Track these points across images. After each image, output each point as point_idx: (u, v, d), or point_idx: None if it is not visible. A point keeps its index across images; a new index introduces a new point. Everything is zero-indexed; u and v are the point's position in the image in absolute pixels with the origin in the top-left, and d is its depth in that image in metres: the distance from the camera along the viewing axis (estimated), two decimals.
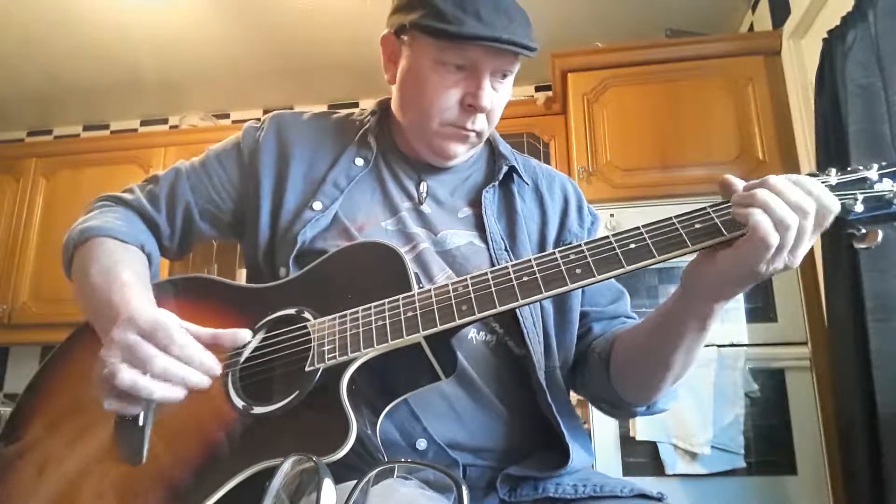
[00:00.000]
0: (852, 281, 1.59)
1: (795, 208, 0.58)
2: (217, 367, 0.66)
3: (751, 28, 2.55)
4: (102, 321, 0.71)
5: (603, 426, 1.92)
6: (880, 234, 0.61)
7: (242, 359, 0.71)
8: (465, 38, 0.77)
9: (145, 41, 2.73)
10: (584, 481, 0.75)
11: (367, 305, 0.69)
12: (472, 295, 0.66)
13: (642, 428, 1.89)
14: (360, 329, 0.67)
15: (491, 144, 0.97)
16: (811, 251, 0.62)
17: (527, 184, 0.93)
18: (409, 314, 0.66)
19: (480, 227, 0.86)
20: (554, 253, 0.66)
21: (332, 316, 0.70)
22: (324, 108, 3.20)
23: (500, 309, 0.64)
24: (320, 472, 0.47)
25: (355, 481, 0.51)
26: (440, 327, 0.65)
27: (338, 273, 0.76)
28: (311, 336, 0.69)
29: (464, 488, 0.50)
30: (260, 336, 0.73)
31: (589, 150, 2.24)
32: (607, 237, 0.65)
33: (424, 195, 0.89)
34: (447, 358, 0.69)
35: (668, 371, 0.74)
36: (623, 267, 0.63)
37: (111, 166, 2.89)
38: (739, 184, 0.63)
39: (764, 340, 1.93)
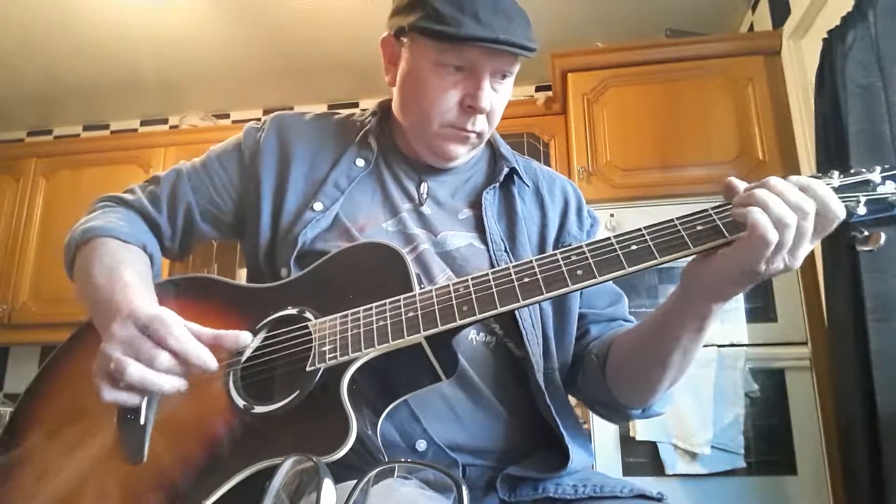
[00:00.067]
0: (852, 281, 1.59)
1: (795, 208, 0.58)
2: (212, 362, 0.66)
3: (751, 28, 2.55)
4: (104, 320, 0.71)
5: (603, 426, 1.92)
6: (883, 236, 0.61)
7: (244, 358, 0.71)
8: (463, 39, 0.77)
9: (145, 41, 2.73)
10: (584, 481, 0.75)
11: (369, 305, 0.69)
12: (474, 295, 0.66)
13: (642, 428, 1.89)
14: (361, 329, 0.67)
15: (492, 146, 0.97)
16: (811, 252, 0.62)
17: (527, 186, 0.93)
18: (410, 314, 0.66)
19: (480, 229, 0.86)
20: (555, 254, 0.66)
21: (334, 316, 0.70)
22: (324, 108, 3.20)
23: (501, 310, 0.64)
24: (320, 471, 0.47)
25: (355, 481, 0.51)
26: (441, 328, 0.65)
27: (339, 273, 0.76)
28: (313, 336, 0.69)
29: (464, 488, 0.50)
30: (261, 336, 0.73)
31: (589, 150, 2.24)
32: (608, 238, 0.65)
33: (425, 196, 0.89)
34: (448, 358, 0.69)
35: (665, 372, 0.74)
36: (624, 268, 0.63)
37: (111, 166, 2.89)
38: (742, 186, 0.63)
39: (764, 340, 1.93)
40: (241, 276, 2.63)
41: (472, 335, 0.80)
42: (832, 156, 1.71)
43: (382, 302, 0.69)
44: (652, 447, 1.88)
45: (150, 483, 0.65)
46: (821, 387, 1.86)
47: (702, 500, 1.82)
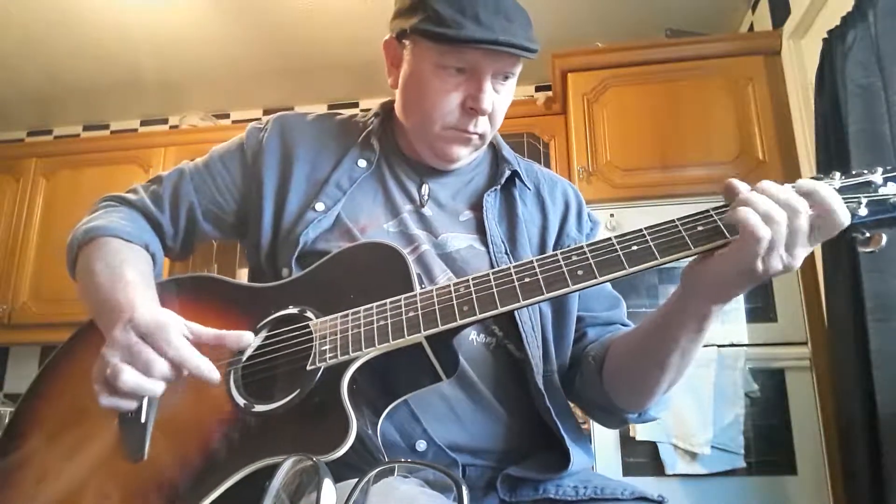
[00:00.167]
0: (852, 281, 1.59)
1: (784, 205, 0.58)
2: (213, 373, 0.66)
3: (751, 28, 2.55)
4: (106, 320, 0.71)
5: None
6: (884, 237, 0.61)
7: (245, 357, 0.71)
8: (463, 41, 0.77)
9: (145, 41, 2.73)
10: (584, 483, 0.75)
11: (369, 305, 0.69)
12: (474, 295, 0.66)
13: (642, 428, 1.89)
14: (362, 328, 0.67)
15: (494, 148, 0.97)
16: (811, 252, 0.62)
17: (529, 188, 0.93)
18: (411, 314, 0.66)
19: (481, 231, 0.86)
20: (556, 254, 0.66)
21: (334, 315, 0.70)
22: (324, 108, 3.20)
23: (501, 310, 0.64)
24: (320, 471, 0.47)
25: (356, 480, 0.52)
26: (441, 327, 0.65)
27: (340, 273, 0.76)
28: (313, 335, 0.69)
29: (464, 488, 0.50)
30: (262, 335, 0.73)
31: (589, 150, 2.24)
32: (609, 239, 0.65)
33: (426, 198, 0.89)
34: (448, 358, 0.69)
35: (663, 374, 0.73)
36: (625, 268, 0.63)
37: (111, 166, 2.89)
38: (743, 187, 0.63)
39: (764, 340, 1.93)
40: (242, 276, 2.63)
41: (473, 336, 0.80)
42: (832, 156, 1.71)
43: (383, 301, 0.69)
44: (652, 447, 1.88)
45: (151, 481, 0.65)
46: (821, 387, 1.86)
47: (702, 500, 1.82)
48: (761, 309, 1.95)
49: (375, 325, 0.67)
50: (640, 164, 2.19)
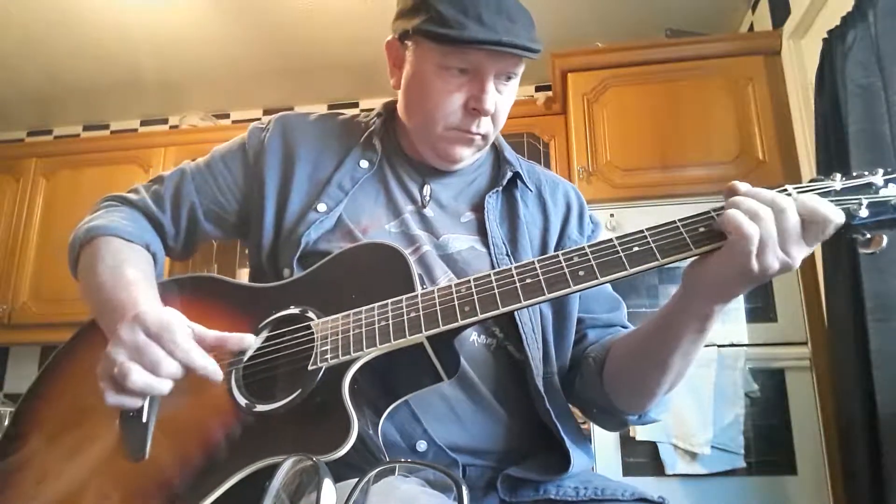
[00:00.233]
0: (852, 281, 1.59)
1: (768, 203, 0.60)
2: (218, 374, 0.67)
3: (751, 28, 2.55)
4: (108, 319, 0.71)
5: None
6: (885, 239, 0.62)
7: (246, 357, 0.71)
8: (466, 42, 0.77)
9: (145, 41, 2.73)
10: (585, 484, 0.75)
11: (371, 305, 0.69)
12: (475, 296, 0.66)
13: (642, 428, 1.89)
14: (364, 329, 0.67)
15: (496, 149, 0.97)
16: (812, 252, 0.62)
17: (530, 190, 0.93)
18: (412, 314, 0.66)
19: (482, 232, 0.86)
20: (557, 255, 0.66)
21: (336, 315, 0.70)
22: (324, 108, 3.20)
23: (503, 310, 0.64)
24: (320, 471, 0.47)
25: (356, 480, 0.52)
26: (443, 328, 0.65)
27: (342, 273, 0.76)
28: (315, 335, 0.69)
29: (464, 488, 0.50)
30: (264, 335, 0.74)
31: (589, 150, 2.24)
32: (610, 239, 0.65)
33: (428, 198, 0.89)
34: (449, 359, 0.69)
35: (665, 375, 0.73)
36: (626, 270, 0.63)
37: (111, 166, 2.89)
38: (744, 188, 0.63)
39: (764, 340, 1.93)
40: (242, 276, 2.63)
41: (473, 337, 0.80)
42: (832, 156, 1.71)
43: (384, 302, 0.69)
44: (652, 447, 1.88)
45: (152, 481, 0.65)
46: (821, 387, 1.86)
47: (702, 500, 1.83)
48: (761, 309, 1.95)
49: (377, 326, 0.67)
50: (640, 164, 2.19)
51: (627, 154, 2.21)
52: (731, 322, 1.94)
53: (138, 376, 0.63)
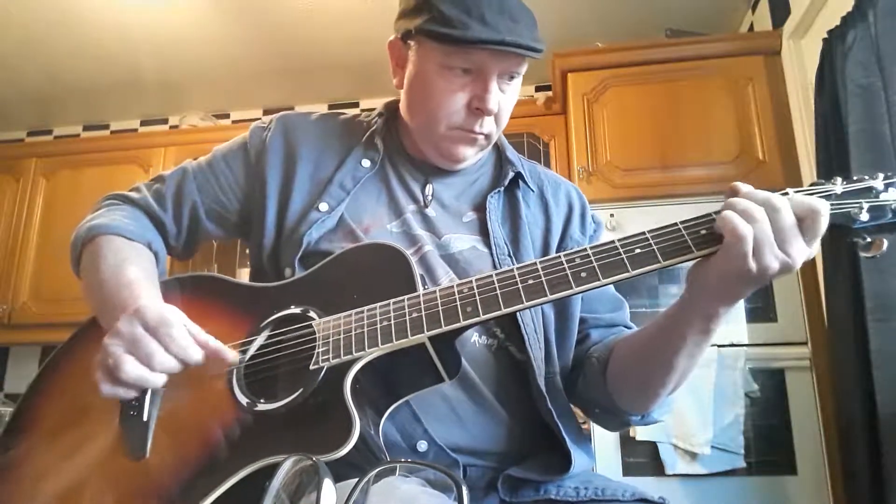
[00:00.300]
0: (852, 281, 1.59)
1: (762, 203, 0.60)
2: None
3: (751, 28, 2.55)
4: (109, 317, 0.71)
5: None
6: (885, 242, 0.62)
7: (248, 356, 0.71)
8: (469, 42, 0.77)
9: (145, 41, 2.73)
10: (585, 484, 0.75)
11: (373, 305, 0.69)
12: (477, 297, 0.66)
13: (642, 428, 1.88)
14: (365, 329, 0.67)
15: (499, 149, 0.97)
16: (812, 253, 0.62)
17: (532, 190, 0.93)
18: (414, 315, 0.67)
19: (484, 232, 0.86)
20: (559, 256, 0.66)
21: (338, 315, 0.70)
22: (324, 108, 3.20)
23: (504, 311, 0.65)
24: (320, 471, 0.47)
25: (356, 479, 0.52)
26: (444, 328, 0.65)
27: (343, 273, 0.76)
28: (316, 335, 0.69)
29: (464, 488, 0.50)
30: (265, 334, 0.73)
31: (589, 150, 2.24)
32: (612, 241, 0.66)
33: (430, 198, 0.89)
34: (451, 359, 0.69)
35: (668, 375, 0.73)
36: (628, 271, 0.63)
37: (111, 166, 2.89)
38: (746, 189, 0.63)
39: (764, 340, 1.93)
40: (242, 276, 2.63)
41: (475, 337, 0.80)
42: (832, 156, 1.71)
43: (386, 302, 0.69)
44: (652, 447, 1.88)
45: (153, 479, 0.65)
46: (821, 387, 1.86)
47: (702, 500, 1.83)
48: (761, 309, 1.95)
49: (379, 326, 0.67)
50: (640, 164, 2.19)
51: (627, 154, 2.21)
52: (731, 322, 1.94)
53: (132, 367, 0.64)
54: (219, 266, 2.84)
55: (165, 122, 3.38)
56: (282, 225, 0.86)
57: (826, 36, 1.79)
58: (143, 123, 3.42)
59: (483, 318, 0.65)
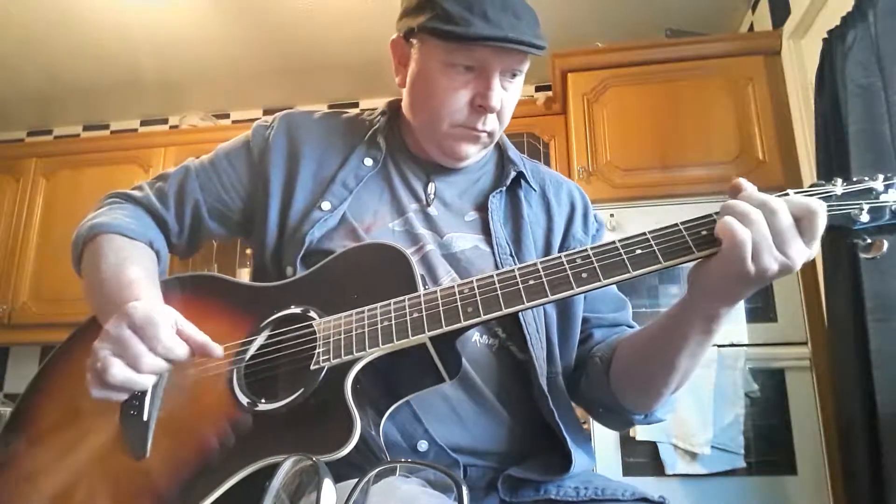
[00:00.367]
0: (852, 281, 1.59)
1: (759, 205, 0.60)
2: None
3: (751, 28, 2.55)
4: (109, 317, 0.71)
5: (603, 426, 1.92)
6: (886, 244, 0.62)
7: (248, 356, 0.71)
8: (472, 39, 0.77)
9: (145, 41, 2.73)
10: (585, 484, 0.75)
11: (373, 306, 0.69)
12: (478, 297, 0.66)
13: (642, 428, 1.89)
14: (366, 329, 0.67)
15: (500, 149, 0.97)
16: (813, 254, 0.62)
17: (534, 190, 0.93)
18: (415, 315, 0.67)
19: (486, 232, 0.86)
20: (560, 257, 0.66)
21: (338, 315, 0.70)
22: (324, 108, 3.19)
23: (505, 311, 0.65)
24: (320, 471, 0.47)
25: (356, 480, 0.52)
26: (445, 328, 0.65)
27: (344, 273, 0.76)
28: (317, 335, 0.69)
29: (464, 488, 0.50)
30: (265, 334, 0.73)
31: (589, 150, 2.24)
32: (613, 242, 0.66)
33: (432, 197, 0.89)
34: (452, 360, 0.69)
35: (671, 375, 0.73)
36: (629, 272, 0.63)
37: (111, 166, 2.89)
38: (749, 186, 0.63)
39: (764, 340, 1.93)
40: (242, 276, 2.63)
41: (476, 337, 0.80)
42: (832, 156, 1.71)
43: (387, 302, 0.69)
44: (652, 447, 1.88)
45: (153, 479, 0.65)
46: (821, 387, 1.86)
47: (702, 500, 1.83)
48: (761, 309, 1.95)
49: (379, 326, 0.67)
50: (640, 164, 2.19)
51: (627, 154, 2.21)
52: (731, 322, 1.94)
53: (118, 370, 0.64)
54: (219, 266, 2.84)
55: (165, 122, 3.38)
56: (284, 224, 0.86)
57: (826, 36, 1.79)
58: (143, 123, 3.42)
59: (484, 318, 0.65)
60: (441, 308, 0.66)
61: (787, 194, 0.62)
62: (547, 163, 2.52)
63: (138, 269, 0.77)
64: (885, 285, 1.52)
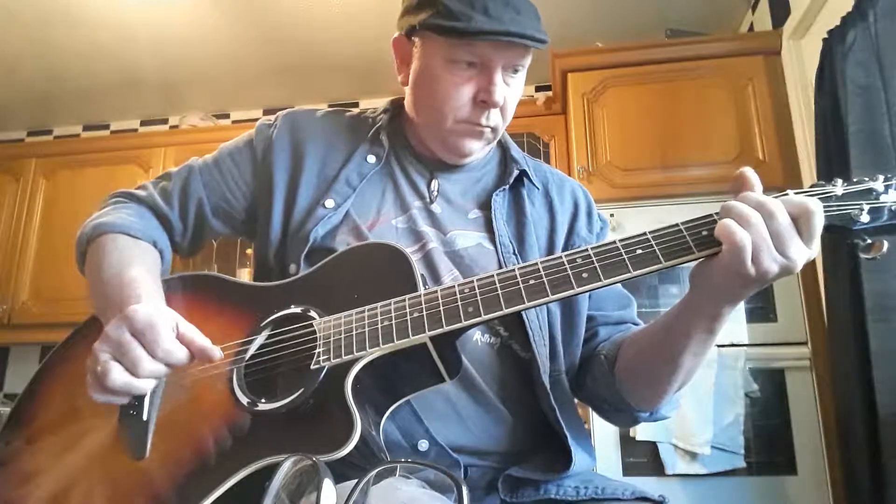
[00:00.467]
0: (852, 281, 1.59)
1: (757, 206, 0.60)
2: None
3: (751, 28, 2.55)
4: (111, 316, 0.71)
5: (603, 426, 1.92)
6: (885, 244, 0.62)
7: (248, 356, 0.71)
8: (473, 33, 0.77)
9: (145, 41, 2.73)
10: (585, 483, 0.75)
11: (374, 305, 0.69)
12: (479, 297, 0.66)
13: (642, 428, 1.89)
14: (366, 329, 0.67)
15: (503, 147, 0.97)
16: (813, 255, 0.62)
17: (537, 188, 0.93)
18: (416, 315, 0.67)
19: (490, 230, 0.86)
20: (561, 257, 0.66)
21: (338, 315, 0.70)
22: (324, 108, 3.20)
23: (505, 311, 0.65)
24: (320, 471, 0.47)
25: (356, 480, 0.52)
26: (446, 328, 0.65)
27: (344, 273, 0.76)
28: (317, 334, 0.69)
29: (464, 488, 0.50)
30: (265, 333, 0.73)
31: (589, 150, 2.24)
32: (614, 242, 0.66)
33: (435, 194, 0.89)
34: (452, 359, 0.69)
35: (675, 373, 0.73)
36: (629, 272, 0.63)
37: (111, 166, 2.89)
38: (754, 177, 0.63)
39: (764, 340, 1.93)
40: (242, 276, 2.63)
41: (477, 336, 0.80)
42: (832, 156, 1.71)
43: (388, 302, 0.69)
44: (652, 447, 1.88)
45: (152, 479, 0.65)
46: (821, 387, 1.86)
47: (702, 500, 1.83)
48: (761, 309, 1.95)
49: (380, 325, 0.67)
50: (640, 164, 2.19)
51: (627, 154, 2.21)
52: (731, 322, 1.91)
53: (118, 375, 0.63)
54: (219, 266, 2.84)
55: (165, 122, 3.38)
56: (288, 221, 0.86)
57: (826, 36, 1.79)
58: (143, 123, 3.42)
59: (484, 318, 0.65)
60: (441, 308, 0.66)
61: (786, 194, 0.62)
62: (547, 163, 2.51)
63: (140, 268, 0.77)
64: (885, 285, 1.52)
